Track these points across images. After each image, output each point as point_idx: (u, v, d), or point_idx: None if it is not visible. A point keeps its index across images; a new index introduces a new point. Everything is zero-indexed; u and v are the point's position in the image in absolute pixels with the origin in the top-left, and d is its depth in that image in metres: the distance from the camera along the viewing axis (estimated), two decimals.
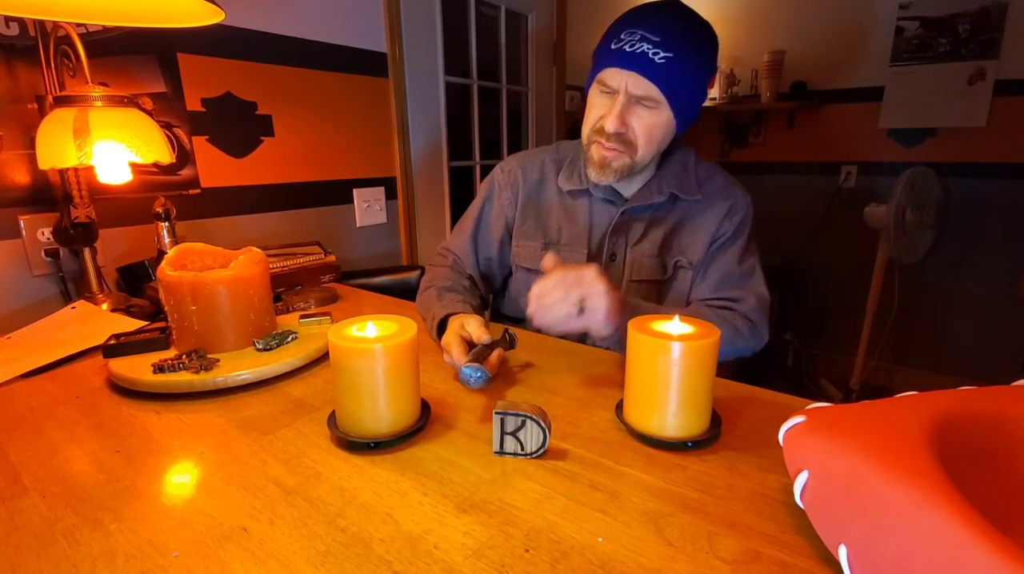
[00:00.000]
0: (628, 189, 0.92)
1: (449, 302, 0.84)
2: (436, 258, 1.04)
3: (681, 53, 0.75)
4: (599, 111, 0.82)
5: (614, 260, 0.93)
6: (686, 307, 0.90)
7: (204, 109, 1.26)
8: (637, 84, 0.77)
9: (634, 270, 0.91)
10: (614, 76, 0.78)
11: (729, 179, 0.93)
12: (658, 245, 0.90)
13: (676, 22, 0.77)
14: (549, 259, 0.71)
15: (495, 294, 1.10)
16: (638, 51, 0.75)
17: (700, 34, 0.79)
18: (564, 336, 0.95)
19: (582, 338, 0.95)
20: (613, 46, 0.78)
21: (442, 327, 0.80)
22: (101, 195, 1.07)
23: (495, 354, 0.70)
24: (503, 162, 1.02)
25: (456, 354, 0.68)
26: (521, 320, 1.03)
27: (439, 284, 0.91)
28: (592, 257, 0.93)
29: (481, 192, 1.03)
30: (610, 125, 0.79)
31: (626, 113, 0.79)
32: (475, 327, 0.72)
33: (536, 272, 0.97)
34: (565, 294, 0.66)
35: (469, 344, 0.71)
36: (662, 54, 0.74)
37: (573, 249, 0.94)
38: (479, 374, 0.62)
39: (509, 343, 0.76)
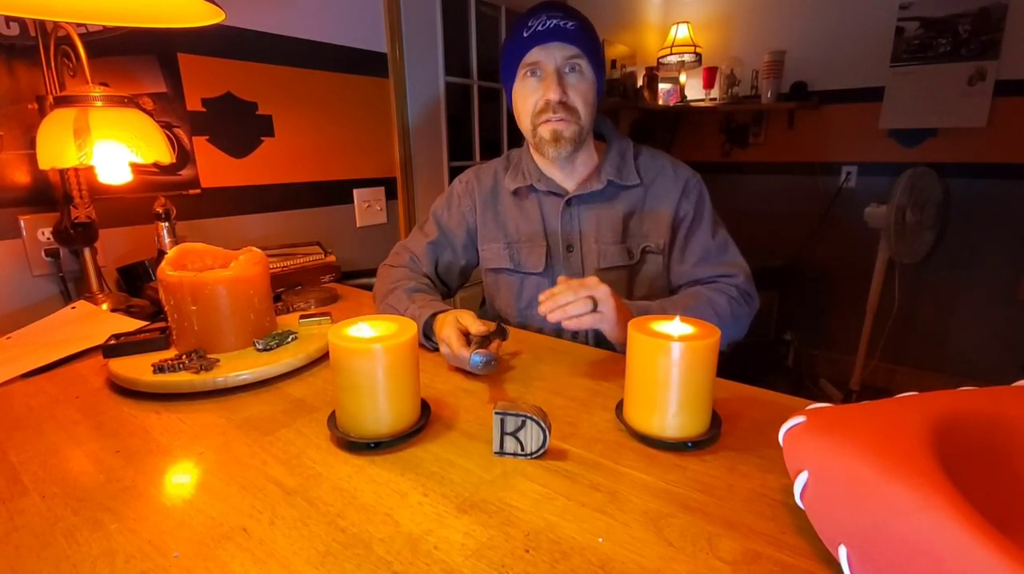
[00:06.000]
0: (570, 182, 0.96)
1: (425, 302, 0.86)
2: (392, 256, 1.05)
3: (582, 21, 0.88)
4: (534, 94, 0.89)
5: (571, 251, 0.96)
6: (682, 294, 0.93)
7: (204, 109, 1.26)
8: (563, 50, 0.86)
9: (600, 258, 0.95)
10: (540, 53, 0.86)
11: (675, 162, 0.98)
12: (619, 232, 0.94)
13: (564, 6, 0.89)
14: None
15: (453, 297, 1.12)
16: (551, 26, 0.85)
17: (581, 13, 0.90)
18: (563, 334, 0.95)
19: (578, 336, 0.95)
20: (526, 33, 0.87)
21: (426, 327, 0.81)
22: (101, 195, 1.07)
23: (494, 344, 0.74)
24: (460, 175, 1.08)
25: (457, 346, 0.71)
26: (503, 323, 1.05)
27: (404, 286, 0.92)
28: (550, 250, 0.97)
29: (440, 201, 1.06)
30: (553, 94, 0.86)
31: (562, 82, 0.87)
32: (470, 320, 0.75)
33: (505, 271, 1.00)
34: (575, 294, 0.71)
35: (465, 335, 0.74)
36: (571, 23, 0.86)
37: (535, 244, 0.97)
38: (489, 358, 0.66)
39: (502, 334, 0.78)
